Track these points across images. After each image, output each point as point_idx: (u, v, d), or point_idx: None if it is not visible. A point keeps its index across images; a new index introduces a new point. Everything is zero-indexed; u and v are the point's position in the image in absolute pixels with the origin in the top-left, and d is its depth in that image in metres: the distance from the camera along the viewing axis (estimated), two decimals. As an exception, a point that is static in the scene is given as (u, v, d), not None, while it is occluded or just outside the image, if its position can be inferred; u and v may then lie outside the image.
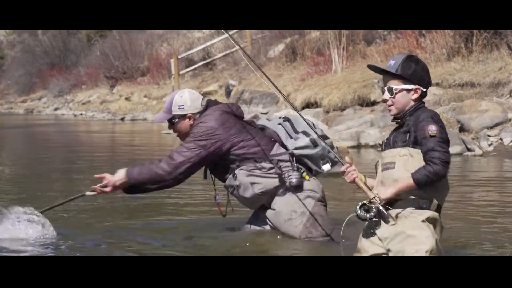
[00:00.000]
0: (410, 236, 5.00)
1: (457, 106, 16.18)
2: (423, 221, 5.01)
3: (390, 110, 5.32)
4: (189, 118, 6.49)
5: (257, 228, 6.59)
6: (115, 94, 44.11)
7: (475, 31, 20.09)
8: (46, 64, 61.66)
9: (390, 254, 5.03)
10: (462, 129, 15.21)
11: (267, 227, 6.51)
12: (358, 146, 16.29)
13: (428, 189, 5.03)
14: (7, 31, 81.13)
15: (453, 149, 13.86)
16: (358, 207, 5.06)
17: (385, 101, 5.31)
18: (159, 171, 6.31)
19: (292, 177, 6.28)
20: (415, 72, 5.21)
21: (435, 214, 5.08)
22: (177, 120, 6.53)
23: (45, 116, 44.18)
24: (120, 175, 6.33)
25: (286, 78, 28.10)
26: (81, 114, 42.28)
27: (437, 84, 19.16)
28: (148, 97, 39.07)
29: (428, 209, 5.07)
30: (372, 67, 5.49)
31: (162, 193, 8.25)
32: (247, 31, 35.34)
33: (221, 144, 6.32)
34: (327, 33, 26.73)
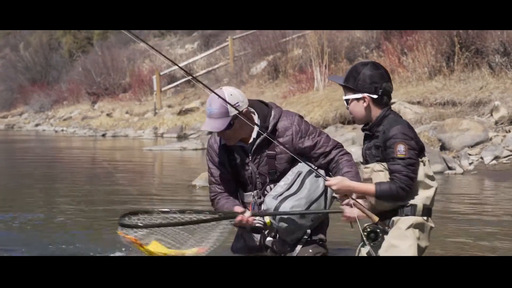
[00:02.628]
0: (393, 246, 5.03)
1: (438, 124, 16.23)
2: (407, 228, 5.03)
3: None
4: (245, 113, 5.97)
5: None
6: (97, 110, 43.98)
7: (456, 50, 20.20)
8: (28, 79, 61.36)
9: None
10: (443, 147, 15.24)
11: None
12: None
13: (406, 200, 5.06)
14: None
15: (434, 167, 13.89)
16: (365, 235, 5.08)
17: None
18: None
19: None
20: (360, 81, 5.16)
21: (419, 219, 5.08)
22: (236, 120, 5.93)
23: (26, 132, 43.97)
24: None
25: (268, 95, 28.12)
26: (62, 130, 42.09)
27: (418, 103, 19.24)
28: (129, 114, 38.97)
29: (414, 215, 5.07)
30: (333, 79, 5.57)
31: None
32: (229, 47, 35.39)
33: None
34: (309, 50, 26.79)
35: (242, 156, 6.07)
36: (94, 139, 32.15)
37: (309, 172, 6.02)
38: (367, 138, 5.29)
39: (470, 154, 14.65)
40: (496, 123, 15.95)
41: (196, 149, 22.36)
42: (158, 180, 15.11)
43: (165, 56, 5.73)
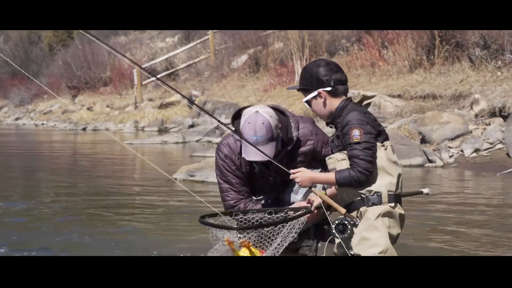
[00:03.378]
0: (364, 238, 5.09)
1: (418, 117, 16.28)
2: (376, 218, 5.07)
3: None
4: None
5: None
6: (77, 104, 43.80)
7: (437, 43, 20.27)
8: (7, 73, 61.04)
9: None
10: (423, 140, 15.29)
11: None
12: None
13: (367, 184, 5.11)
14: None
15: (415, 160, 13.97)
16: (333, 228, 5.13)
17: None
18: None
19: None
20: (308, 79, 5.33)
21: (386, 208, 5.12)
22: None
23: (6, 126, 43.74)
24: None
25: (249, 88, 28.14)
26: (43, 124, 41.90)
27: (399, 96, 19.29)
28: (110, 107, 38.84)
29: (380, 203, 5.10)
30: (290, 88, 5.71)
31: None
32: (210, 41, 35.33)
33: None
34: (290, 44, 26.80)
35: (261, 167, 5.96)
36: (74, 133, 32.03)
37: None
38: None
39: (450, 147, 14.71)
40: (476, 116, 16.00)
41: (177, 143, 22.33)
42: (139, 173, 15.07)
43: (126, 57, 5.71)
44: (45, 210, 9.76)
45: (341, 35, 27.73)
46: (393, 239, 5.15)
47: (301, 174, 5.33)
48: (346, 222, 5.14)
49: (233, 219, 5.75)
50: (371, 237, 5.05)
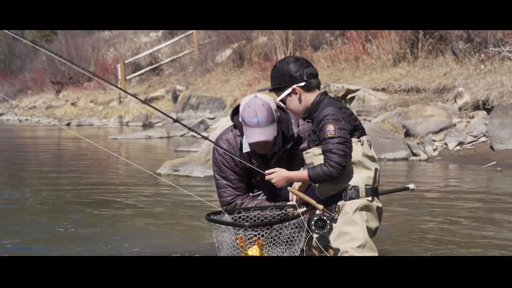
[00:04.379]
0: (343, 233, 5.10)
1: (402, 111, 16.32)
2: (354, 212, 5.09)
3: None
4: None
5: None
6: (61, 99, 43.69)
7: (420, 37, 20.33)
8: (-10, 69, 60.94)
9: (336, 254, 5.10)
10: (407, 134, 15.33)
11: None
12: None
13: (343, 179, 5.12)
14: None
15: (399, 153, 14.01)
16: (312, 224, 5.14)
17: None
18: None
19: None
20: (280, 77, 5.33)
21: (363, 201, 5.14)
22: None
23: (-10, 122, 43.61)
24: None
25: (234, 83, 28.12)
26: (27, 119, 41.80)
27: (383, 90, 19.32)
28: (94, 103, 38.78)
29: (358, 197, 5.13)
30: (262, 89, 5.70)
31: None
32: (194, 36, 35.30)
33: None
34: (274, 38, 26.81)
35: (260, 163, 5.89)
36: (58, 129, 31.94)
37: None
38: None
39: (434, 140, 14.75)
40: (460, 109, 16.05)
41: (161, 138, 22.32)
42: (124, 168, 15.04)
43: (60, 56, 5.65)
44: (25, 208, 9.72)
45: (324, 29, 27.76)
46: (372, 232, 5.17)
47: (276, 174, 5.36)
48: (325, 218, 5.15)
49: (235, 217, 5.63)
50: (350, 231, 5.07)
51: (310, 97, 5.27)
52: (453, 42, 19.72)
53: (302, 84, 5.26)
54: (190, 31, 36.09)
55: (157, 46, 39.36)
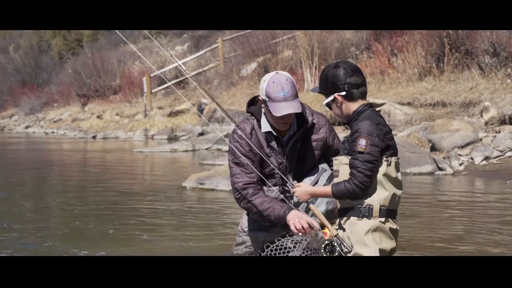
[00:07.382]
0: (356, 254, 5.09)
1: (428, 125, 16.27)
2: (365, 234, 5.09)
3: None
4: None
5: None
6: (87, 112, 43.90)
7: (446, 51, 20.27)
8: (17, 81, 61.28)
9: None
10: (433, 148, 15.28)
11: None
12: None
13: (362, 196, 5.11)
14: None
15: (424, 168, 13.97)
16: (322, 248, 5.13)
17: None
18: None
19: None
20: (325, 83, 5.40)
21: (376, 223, 5.11)
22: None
23: (16, 134, 43.86)
24: None
25: (259, 97, 28.08)
26: (53, 132, 41.99)
27: (408, 104, 19.29)
28: (120, 115, 38.92)
29: (371, 216, 5.10)
30: (313, 90, 5.71)
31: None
32: (220, 49, 35.41)
33: None
34: (299, 51, 26.82)
35: (276, 148, 5.95)
36: (84, 141, 32.09)
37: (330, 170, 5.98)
38: None
39: (460, 155, 14.69)
40: (486, 123, 15.99)
41: (186, 151, 22.36)
42: (149, 181, 15.09)
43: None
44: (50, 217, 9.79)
45: (350, 43, 27.76)
46: (386, 253, 5.14)
47: (299, 188, 5.43)
48: (335, 244, 5.12)
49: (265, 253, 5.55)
50: (362, 253, 5.07)
51: (351, 107, 5.29)
52: (479, 56, 19.65)
53: (343, 93, 5.29)
54: (216, 45, 36.20)
55: (182, 60, 39.45)
